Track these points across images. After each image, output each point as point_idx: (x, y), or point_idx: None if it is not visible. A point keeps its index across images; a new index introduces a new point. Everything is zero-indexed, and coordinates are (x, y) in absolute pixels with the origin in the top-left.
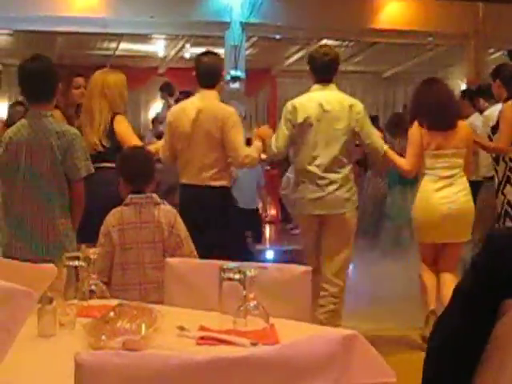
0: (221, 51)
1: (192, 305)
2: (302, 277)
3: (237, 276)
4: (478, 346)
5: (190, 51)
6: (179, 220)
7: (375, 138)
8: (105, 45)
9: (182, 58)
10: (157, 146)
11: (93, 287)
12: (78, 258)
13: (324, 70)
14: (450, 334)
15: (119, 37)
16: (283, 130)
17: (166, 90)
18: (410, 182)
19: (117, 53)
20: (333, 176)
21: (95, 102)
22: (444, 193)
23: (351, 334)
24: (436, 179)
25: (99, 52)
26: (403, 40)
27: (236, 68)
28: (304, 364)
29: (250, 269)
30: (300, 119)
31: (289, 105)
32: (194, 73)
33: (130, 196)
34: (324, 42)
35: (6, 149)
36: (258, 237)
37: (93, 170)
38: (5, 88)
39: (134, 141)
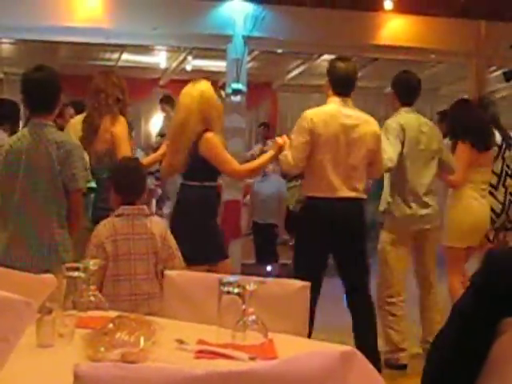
0: (222, 64)
1: (191, 318)
2: (300, 292)
3: (236, 290)
4: (476, 365)
5: (192, 63)
6: (169, 232)
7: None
8: (107, 55)
9: (184, 70)
10: (152, 158)
11: (92, 298)
12: (77, 269)
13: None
14: (448, 352)
15: (121, 48)
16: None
17: (167, 102)
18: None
19: (119, 64)
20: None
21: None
22: (483, 201)
23: (349, 350)
24: (477, 190)
25: (101, 63)
26: (405, 56)
27: (238, 81)
28: (302, 380)
29: (250, 283)
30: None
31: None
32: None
33: (122, 207)
34: (325, 57)
35: (5, 157)
36: None
37: (91, 182)
38: (7, 97)
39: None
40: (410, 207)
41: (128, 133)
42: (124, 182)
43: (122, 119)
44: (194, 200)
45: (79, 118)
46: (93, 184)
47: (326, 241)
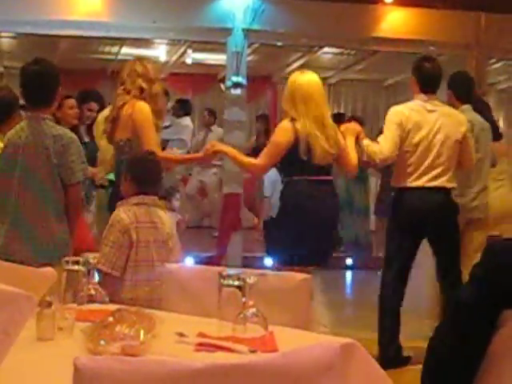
0: (222, 57)
1: (191, 311)
2: (301, 284)
3: (236, 283)
4: (476, 356)
5: (192, 57)
6: (174, 225)
7: None
8: (107, 49)
9: (184, 63)
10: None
11: (92, 291)
12: (77, 262)
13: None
14: (449, 344)
15: (121, 41)
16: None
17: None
18: None
19: (119, 57)
20: None
21: (326, 108)
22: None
23: (350, 342)
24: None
25: (101, 56)
26: (405, 49)
27: (237, 74)
28: (302, 372)
29: (250, 276)
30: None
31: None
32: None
33: (140, 196)
34: (325, 49)
35: (3, 151)
36: None
37: (89, 175)
38: None
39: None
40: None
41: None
42: (140, 173)
43: (143, 106)
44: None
45: (106, 112)
46: (111, 176)
47: (418, 230)
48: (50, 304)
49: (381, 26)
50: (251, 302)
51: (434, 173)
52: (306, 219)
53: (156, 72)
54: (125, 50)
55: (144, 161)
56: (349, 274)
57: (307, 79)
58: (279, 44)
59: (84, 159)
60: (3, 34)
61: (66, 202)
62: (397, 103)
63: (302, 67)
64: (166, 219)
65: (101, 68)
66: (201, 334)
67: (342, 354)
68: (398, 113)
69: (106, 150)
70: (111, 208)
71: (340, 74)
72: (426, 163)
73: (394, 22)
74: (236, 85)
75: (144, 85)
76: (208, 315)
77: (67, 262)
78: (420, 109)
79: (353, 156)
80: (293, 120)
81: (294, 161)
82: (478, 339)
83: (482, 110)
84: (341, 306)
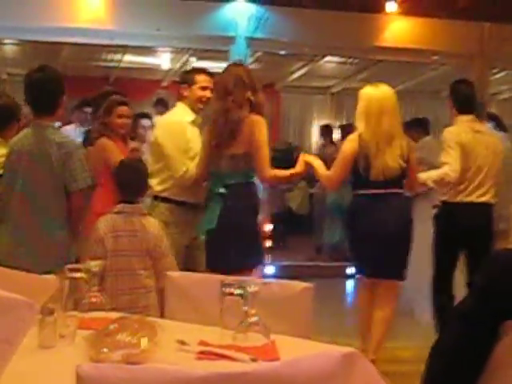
0: (225, 65)
1: (192, 319)
2: (303, 293)
3: (238, 291)
4: (477, 366)
5: (195, 65)
6: (163, 232)
7: None
8: (109, 56)
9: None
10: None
11: (93, 299)
12: (79, 270)
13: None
14: (450, 353)
15: (124, 49)
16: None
17: (161, 105)
18: None
19: (121, 65)
20: None
21: (398, 121)
22: None
23: (351, 351)
24: None
25: (104, 63)
26: (408, 58)
27: None
28: (304, 381)
29: (251, 284)
30: None
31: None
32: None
33: (121, 205)
34: (328, 58)
35: (7, 158)
36: None
37: (91, 183)
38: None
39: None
40: None
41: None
42: (126, 181)
43: (262, 122)
44: None
45: (168, 116)
46: (221, 190)
47: (464, 242)
48: (51, 311)
49: (384, 36)
50: (253, 311)
51: (483, 189)
52: (370, 233)
53: (258, 80)
54: (127, 57)
55: (128, 169)
56: (349, 283)
57: (381, 92)
58: (282, 53)
59: (87, 167)
60: (6, 41)
61: (69, 209)
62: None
63: (304, 76)
64: (151, 227)
65: (103, 75)
66: (202, 343)
67: (344, 363)
68: (456, 134)
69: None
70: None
71: (343, 83)
72: (477, 181)
73: (397, 31)
74: None
75: (251, 96)
76: (210, 323)
77: (69, 270)
78: (468, 130)
79: (416, 175)
80: (360, 133)
81: (356, 174)
82: (479, 349)
83: (495, 118)
84: (342, 315)
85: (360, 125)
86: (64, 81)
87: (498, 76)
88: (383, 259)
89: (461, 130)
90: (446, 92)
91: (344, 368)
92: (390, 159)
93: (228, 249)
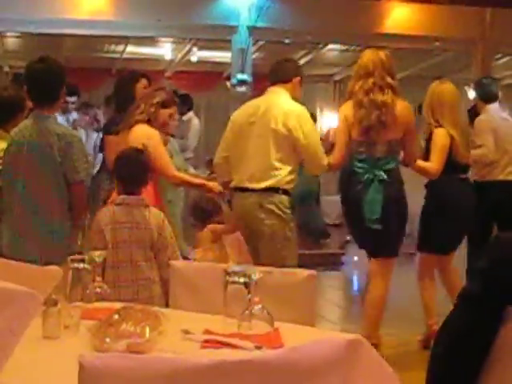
0: (228, 55)
1: (197, 308)
2: (306, 281)
3: (242, 279)
4: (481, 352)
5: (197, 55)
6: (166, 223)
7: None
8: (112, 48)
9: (189, 61)
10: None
11: (97, 289)
12: (82, 261)
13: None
14: (454, 339)
15: (126, 40)
16: None
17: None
18: None
19: (124, 56)
20: None
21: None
22: None
23: (356, 338)
24: None
25: (106, 55)
26: (410, 45)
27: (243, 72)
28: (308, 368)
29: (255, 272)
30: None
31: None
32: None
33: (122, 196)
34: (331, 46)
35: (7, 149)
36: None
37: (93, 174)
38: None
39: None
40: None
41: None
42: (124, 172)
43: (407, 105)
44: None
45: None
46: (382, 175)
47: (493, 217)
48: (55, 302)
49: (386, 22)
50: (257, 299)
51: (510, 168)
52: (460, 213)
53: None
54: (130, 48)
55: (128, 160)
56: (357, 271)
57: (451, 88)
58: (285, 41)
59: (87, 159)
60: (8, 34)
61: (70, 200)
62: (403, 99)
63: (307, 64)
64: (153, 219)
65: (106, 67)
66: (207, 331)
67: (348, 349)
68: (487, 121)
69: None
70: None
71: (345, 71)
72: (507, 161)
73: (399, 18)
74: (241, 82)
75: (391, 81)
76: (214, 312)
77: (73, 261)
78: (496, 117)
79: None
80: (440, 126)
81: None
82: (483, 332)
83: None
84: (348, 303)
85: (441, 119)
86: (65, 72)
87: (501, 61)
88: (460, 236)
89: (489, 117)
90: (448, 79)
91: (349, 354)
92: (463, 147)
93: (393, 236)
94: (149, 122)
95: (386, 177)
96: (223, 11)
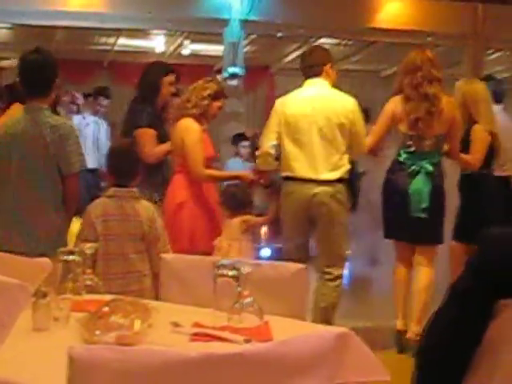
0: (219, 48)
1: (186, 301)
2: (297, 274)
3: (231, 273)
4: (470, 347)
5: (189, 48)
6: (157, 215)
7: None
8: (103, 40)
9: (181, 54)
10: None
11: (88, 282)
12: (72, 253)
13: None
14: (443, 333)
15: (117, 32)
16: None
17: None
18: None
19: (115, 48)
20: None
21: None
22: None
23: (345, 331)
24: None
25: (97, 47)
26: (402, 39)
27: (235, 65)
28: (297, 361)
29: (245, 265)
30: None
31: None
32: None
33: (113, 189)
34: (323, 40)
35: (0, 142)
36: None
37: (86, 166)
38: (3, 82)
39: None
40: None
41: None
42: (115, 165)
43: (451, 100)
44: None
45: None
46: (430, 168)
47: None
48: (45, 294)
49: (378, 17)
50: (246, 292)
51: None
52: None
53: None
54: (121, 41)
55: (119, 152)
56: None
57: (483, 86)
58: (277, 35)
59: (82, 151)
60: None
61: (64, 193)
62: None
63: (299, 58)
64: (144, 211)
65: (97, 59)
66: (196, 324)
67: (337, 343)
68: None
69: None
70: None
71: (337, 65)
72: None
73: (392, 12)
74: (233, 76)
75: (438, 75)
76: (204, 305)
77: (63, 253)
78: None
79: None
80: (475, 123)
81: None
82: (472, 327)
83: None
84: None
85: (477, 115)
86: (58, 64)
87: (493, 57)
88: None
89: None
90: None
91: (337, 348)
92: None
93: (438, 225)
94: (200, 114)
95: (432, 169)
96: (215, 4)
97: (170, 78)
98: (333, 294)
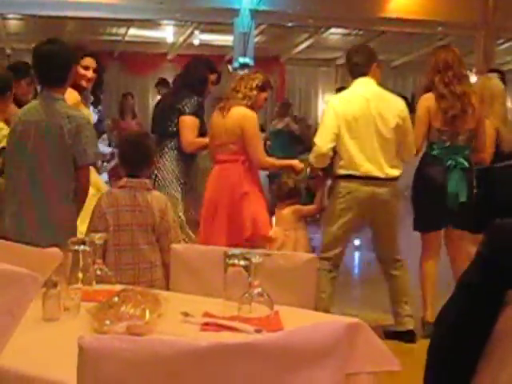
0: (230, 38)
1: (197, 291)
2: (307, 264)
3: (242, 262)
4: (480, 338)
5: (199, 38)
6: (169, 206)
7: None
8: (114, 30)
9: (191, 44)
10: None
11: (98, 272)
12: (83, 243)
13: None
14: (453, 324)
15: (129, 22)
16: None
17: (164, 85)
18: None
19: (126, 38)
20: None
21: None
22: None
23: (355, 321)
24: None
25: (109, 37)
26: (412, 29)
27: (245, 55)
28: (308, 351)
29: (255, 255)
30: None
31: None
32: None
33: (125, 179)
34: (333, 30)
35: (13, 129)
36: None
37: (101, 158)
38: None
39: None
40: None
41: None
42: (128, 156)
43: (477, 97)
44: None
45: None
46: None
47: None
48: (55, 284)
49: (388, 7)
50: (257, 282)
51: None
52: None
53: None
54: (132, 31)
55: (132, 143)
56: (356, 255)
57: (500, 84)
58: (287, 25)
59: (97, 142)
60: (11, 16)
61: (76, 183)
62: (404, 84)
63: (309, 48)
64: (155, 202)
65: (108, 50)
66: (206, 314)
67: (348, 333)
68: None
69: None
70: None
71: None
72: None
73: (402, 2)
74: (243, 66)
75: (466, 73)
76: (214, 295)
77: (73, 243)
78: None
79: None
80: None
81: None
82: (482, 319)
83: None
84: (348, 287)
85: (494, 111)
86: (75, 54)
87: (503, 46)
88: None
89: None
90: None
91: (348, 338)
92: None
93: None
94: (249, 105)
95: (467, 165)
96: None
97: (214, 76)
98: (406, 276)
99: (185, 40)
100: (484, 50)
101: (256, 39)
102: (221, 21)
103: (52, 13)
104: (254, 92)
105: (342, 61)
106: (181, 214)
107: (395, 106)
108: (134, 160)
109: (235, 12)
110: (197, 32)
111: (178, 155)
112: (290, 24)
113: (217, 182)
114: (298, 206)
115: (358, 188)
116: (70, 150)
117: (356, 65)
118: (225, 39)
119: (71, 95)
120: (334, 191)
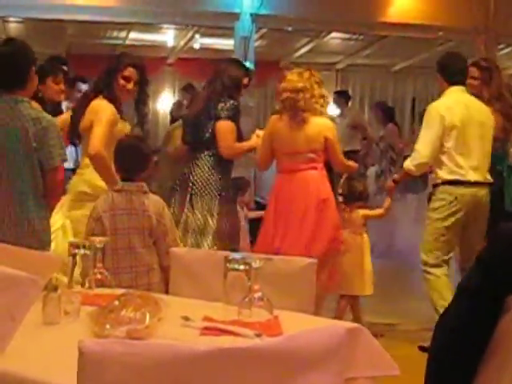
0: (230, 42)
1: (197, 295)
2: (307, 269)
3: (242, 267)
4: (480, 343)
5: (200, 42)
6: (166, 210)
7: None
8: (114, 34)
9: (192, 48)
10: None
11: (98, 276)
12: (83, 247)
13: None
14: (454, 329)
15: (129, 26)
16: None
17: (188, 91)
18: None
19: (126, 42)
20: None
21: None
22: None
23: (355, 326)
24: None
25: (109, 41)
26: (413, 34)
27: (245, 59)
28: (307, 356)
29: (255, 260)
30: None
31: None
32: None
33: (121, 183)
34: (333, 34)
35: None
36: None
37: (67, 159)
38: None
39: None
40: None
41: None
42: (124, 159)
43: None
44: None
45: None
46: None
47: None
48: (56, 288)
49: (389, 11)
50: (257, 286)
51: None
52: None
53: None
54: (133, 34)
55: (126, 147)
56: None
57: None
58: (287, 29)
59: (63, 144)
60: (11, 19)
61: (45, 186)
62: (405, 89)
63: (310, 52)
64: (153, 206)
65: (109, 53)
66: (206, 318)
67: (348, 338)
68: None
69: None
70: None
71: (348, 60)
72: None
73: (403, 6)
74: None
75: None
76: (214, 299)
77: (73, 246)
78: None
79: None
80: None
81: None
82: (482, 323)
83: None
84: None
85: None
86: (69, 58)
87: (504, 52)
88: None
89: None
90: None
91: (348, 343)
92: None
93: None
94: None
95: None
96: None
97: (246, 80)
98: None
99: (185, 44)
100: (485, 54)
101: (256, 43)
102: (221, 25)
103: (52, 16)
104: (322, 100)
105: (342, 65)
106: (210, 220)
107: (488, 114)
108: (130, 164)
109: (236, 16)
110: (197, 36)
111: (214, 163)
112: (290, 28)
113: (294, 190)
114: (365, 211)
115: (467, 192)
116: (36, 153)
117: (454, 73)
118: (225, 43)
119: (107, 110)
120: (437, 197)
